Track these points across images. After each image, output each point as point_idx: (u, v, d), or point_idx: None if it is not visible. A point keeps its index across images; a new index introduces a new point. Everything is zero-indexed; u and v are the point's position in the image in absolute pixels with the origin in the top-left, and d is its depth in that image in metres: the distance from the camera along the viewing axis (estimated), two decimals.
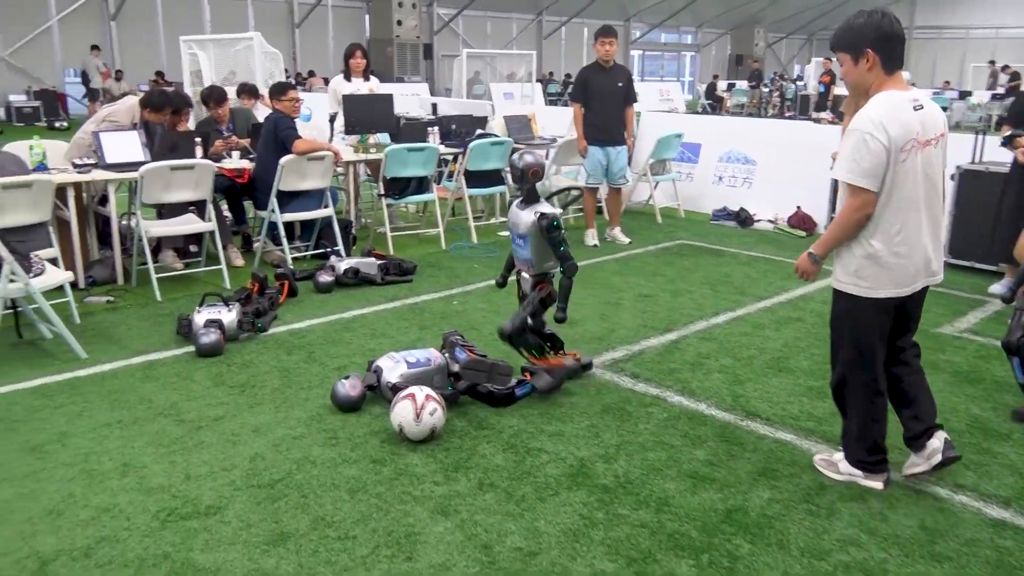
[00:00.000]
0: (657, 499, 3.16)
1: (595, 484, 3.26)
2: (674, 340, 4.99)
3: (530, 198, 4.16)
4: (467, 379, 3.96)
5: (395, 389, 3.82)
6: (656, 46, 39.37)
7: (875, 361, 3.18)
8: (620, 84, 7.32)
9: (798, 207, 8.34)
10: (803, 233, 8.16)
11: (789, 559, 2.79)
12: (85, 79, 21.37)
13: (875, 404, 3.20)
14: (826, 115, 13.50)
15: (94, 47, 21.40)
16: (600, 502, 3.13)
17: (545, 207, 4.12)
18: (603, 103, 7.27)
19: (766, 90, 25.89)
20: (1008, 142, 5.86)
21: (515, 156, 4.26)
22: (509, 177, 8.08)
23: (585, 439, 3.65)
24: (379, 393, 3.98)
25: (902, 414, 3.31)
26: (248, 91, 8.33)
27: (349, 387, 3.91)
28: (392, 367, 4.00)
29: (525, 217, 4.11)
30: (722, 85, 27.69)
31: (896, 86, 3.02)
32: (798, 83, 27.70)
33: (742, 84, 28.06)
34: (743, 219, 8.58)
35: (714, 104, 25.82)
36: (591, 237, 7.55)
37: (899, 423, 3.31)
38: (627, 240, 7.63)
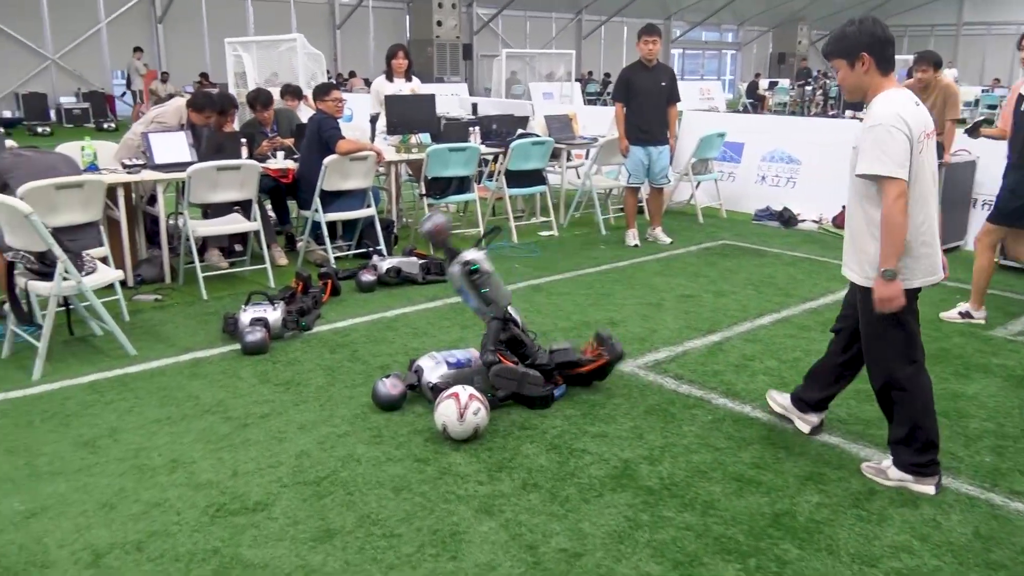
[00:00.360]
0: (703, 502, 3.12)
1: (640, 486, 3.24)
2: (717, 341, 4.94)
3: (450, 255, 4.13)
4: (499, 387, 3.94)
5: (435, 389, 3.84)
6: (697, 44, 39.03)
7: (918, 351, 3.20)
8: (663, 83, 7.21)
9: (843, 206, 8.19)
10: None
11: (839, 565, 2.75)
12: (129, 81, 21.83)
13: (925, 397, 3.20)
14: (861, 113, 13.33)
15: (137, 49, 21.83)
16: (645, 504, 3.10)
17: (467, 254, 4.03)
18: (645, 102, 7.17)
19: (809, 88, 25.52)
20: (972, 131, 5.78)
21: (421, 223, 4.18)
22: (549, 178, 8.09)
23: (629, 440, 3.63)
24: (420, 392, 4.00)
25: (821, 380, 3.61)
26: (292, 92, 8.42)
27: (390, 386, 3.93)
28: (433, 367, 4.01)
29: (454, 270, 4.07)
30: (764, 83, 27.36)
31: (893, 85, 3.12)
32: None
33: (784, 82, 27.68)
34: (786, 219, 8.47)
35: (755, 103, 25.51)
36: (632, 237, 7.51)
37: (807, 381, 3.72)
38: (668, 240, 7.56)
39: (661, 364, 4.56)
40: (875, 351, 3.24)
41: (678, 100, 7.39)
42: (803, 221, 8.42)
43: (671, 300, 5.77)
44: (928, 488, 3.19)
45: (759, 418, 3.87)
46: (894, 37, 3.14)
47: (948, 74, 12.59)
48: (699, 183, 8.84)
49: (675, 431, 3.73)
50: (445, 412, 3.56)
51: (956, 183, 7.06)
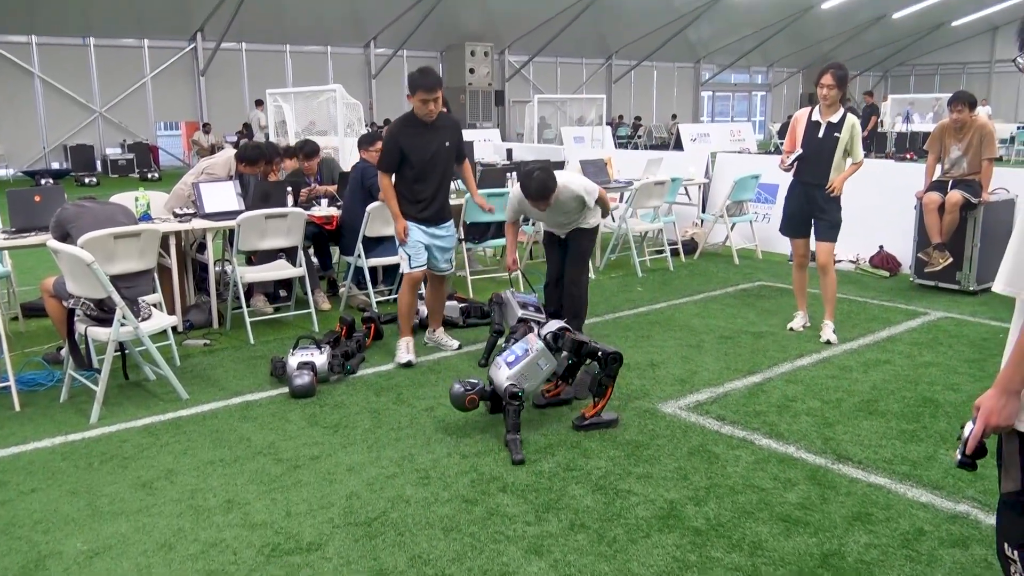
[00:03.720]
0: (750, 543, 3.14)
1: (686, 526, 3.26)
2: (758, 382, 4.95)
3: (491, 396, 4.21)
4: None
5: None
6: (726, 87, 39.26)
7: None
8: (447, 144, 5.27)
9: (880, 247, 8.20)
10: (886, 273, 8.01)
11: None
12: (249, 132, 22.01)
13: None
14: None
15: (258, 102, 22.17)
16: (692, 545, 3.12)
17: (507, 387, 4.10)
18: (425, 170, 5.25)
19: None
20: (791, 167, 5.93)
21: (454, 387, 4.15)
22: None
23: (674, 481, 3.66)
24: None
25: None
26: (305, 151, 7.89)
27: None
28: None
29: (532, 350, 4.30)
30: None
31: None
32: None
33: None
34: None
35: None
36: (405, 348, 5.39)
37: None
38: (455, 344, 5.69)
39: (703, 405, 4.58)
40: (581, 272, 5.54)
41: (464, 157, 5.59)
42: (840, 262, 8.40)
43: (710, 341, 5.80)
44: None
45: (804, 459, 3.88)
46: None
47: (981, 112, 12.63)
48: (734, 224, 8.89)
49: (719, 472, 3.75)
50: None
51: (997, 221, 7.04)
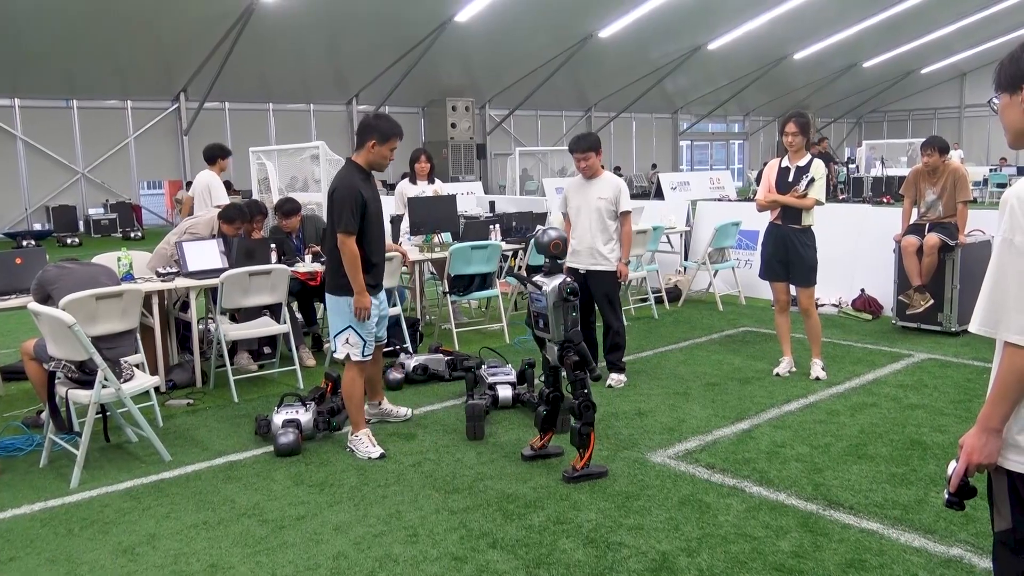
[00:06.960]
0: None
1: None
2: (746, 429, 4.94)
3: (553, 270, 4.50)
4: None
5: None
6: (704, 136, 39.91)
7: None
8: (378, 197, 4.87)
9: (862, 290, 8.28)
10: (869, 316, 8.06)
11: None
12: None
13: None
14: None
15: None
16: None
17: (571, 281, 4.44)
18: (376, 227, 4.72)
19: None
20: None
21: (540, 232, 4.69)
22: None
23: (665, 532, 3.62)
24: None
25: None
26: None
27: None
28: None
29: (550, 283, 4.38)
30: None
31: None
32: (850, 166, 27.76)
33: None
34: None
35: None
36: (369, 443, 4.67)
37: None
38: (405, 412, 5.24)
39: (692, 453, 4.56)
40: (613, 307, 5.94)
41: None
42: (822, 305, 8.47)
43: (697, 389, 5.79)
44: (623, 376, 5.95)
45: (795, 505, 3.85)
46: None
47: (954, 155, 12.86)
48: (716, 271, 8.95)
49: (711, 521, 3.71)
50: None
51: (975, 262, 7.13)
